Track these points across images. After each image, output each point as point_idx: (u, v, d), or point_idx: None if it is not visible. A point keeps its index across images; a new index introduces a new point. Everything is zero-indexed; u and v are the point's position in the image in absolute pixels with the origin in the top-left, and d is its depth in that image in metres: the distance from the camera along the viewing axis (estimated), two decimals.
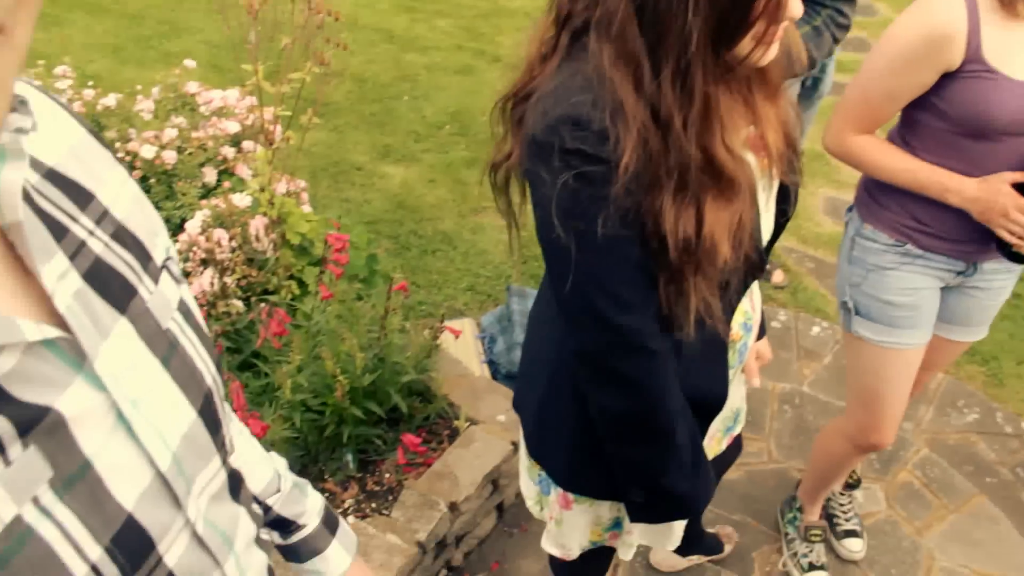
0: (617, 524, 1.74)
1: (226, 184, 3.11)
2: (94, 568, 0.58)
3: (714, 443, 1.79)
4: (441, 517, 2.40)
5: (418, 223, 4.29)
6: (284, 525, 1.09)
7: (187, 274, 2.68)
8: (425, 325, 2.85)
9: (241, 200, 2.78)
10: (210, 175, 3.19)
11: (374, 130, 5.19)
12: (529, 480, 1.80)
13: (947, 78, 1.75)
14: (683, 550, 2.59)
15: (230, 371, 2.54)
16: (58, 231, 0.62)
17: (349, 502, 2.47)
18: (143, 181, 3.10)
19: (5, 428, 0.53)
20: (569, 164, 1.15)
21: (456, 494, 2.46)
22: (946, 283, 2.06)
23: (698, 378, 1.43)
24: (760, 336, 1.76)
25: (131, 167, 3.03)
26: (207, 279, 2.62)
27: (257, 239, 2.71)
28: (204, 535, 0.70)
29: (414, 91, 5.72)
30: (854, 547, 2.70)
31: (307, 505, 1.11)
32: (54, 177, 0.65)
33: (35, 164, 0.64)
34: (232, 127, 3.34)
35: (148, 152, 3.09)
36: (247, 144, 3.33)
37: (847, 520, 2.74)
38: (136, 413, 0.62)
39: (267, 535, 1.08)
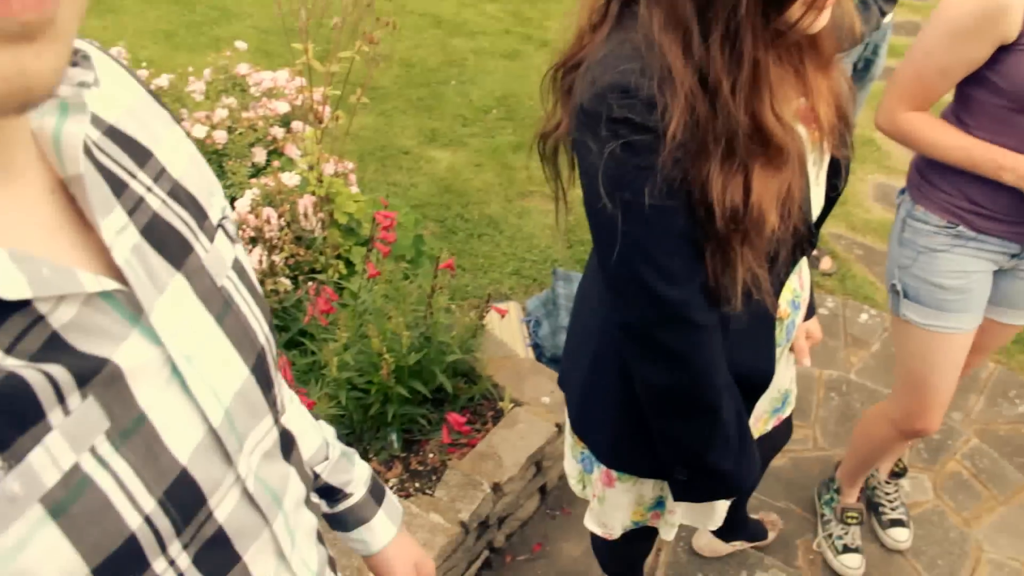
0: (660, 503, 1.73)
1: (275, 164, 3.13)
2: (147, 519, 0.59)
3: (760, 424, 1.77)
4: (484, 498, 2.40)
5: (464, 207, 4.29)
6: (331, 493, 1.10)
7: None
8: (471, 306, 2.86)
9: (290, 179, 2.80)
10: (259, 155, 3.21)
11: (421, 114, 5.20)
12: (572, 458, 1.80)
13: (1003, 51, 1.71)
14: (726, 536, 2.57)
15: (277, 348, 2.56)
16: (117, 186, 0.63)
17: (393, 481, 2.49)
18: None
19: (65, 378, 0.53)
20: (617, 133, 1.14)
21: (499, 475, 2.47)
22: (999, 266, 2.01)
23: (744, 355, 1.41)
24: (809, 316, 1.74)
25: None
26: (255, 257, 2.64)
27: (305, 216, 2.73)
28: (254, 492, 0.71)
29: (461, 76, 5.72)
30: (900, 537, 2.67)
31: (354, 474, 1.12)
32: (114, 134, 0.66)
33: (96, 121, 0.65)
34: (282, 107, 3.36)
35: (199, 132, 3.13)
36: (296, 124, 3.36)
37: (893, 509, 2.71)
38: (190, 368, 0.63)
39: (315, 500, 1.09)
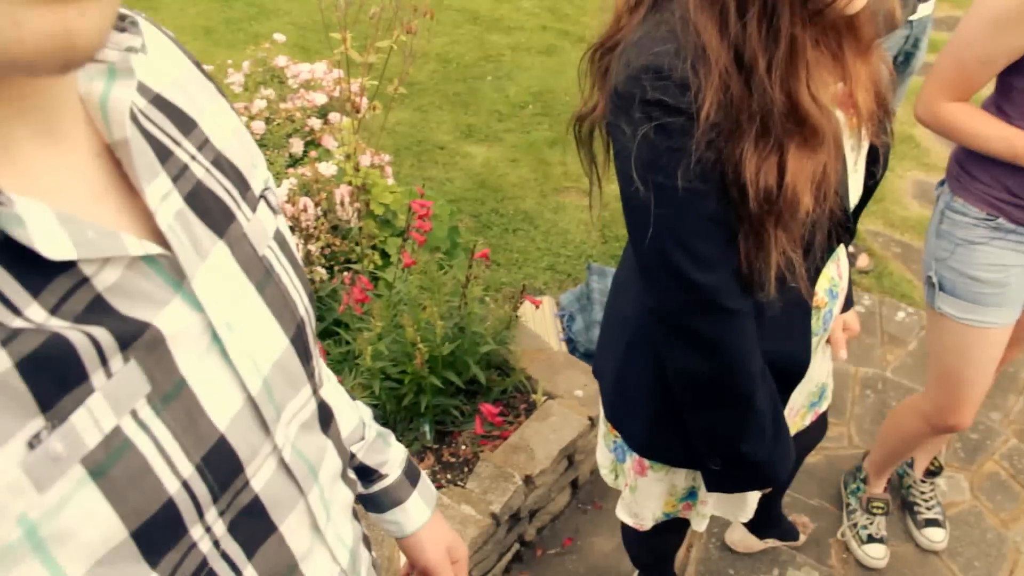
0: (691, 494, 1.72)
1: (312, 154, 3.15)
2: (185, 484, 0.59)
3: (797, 418, 1.76)
4: (516, 490, 2.40)
5: (499, 202, 4.29)
6: (366, 474, 1.10)
7: None
8: (505, 297, 2.86)
9: (327, 169, 2.81)
10: (297, 146, 3.24)
11: (457, 110, 5.21)
12: (605, 447, 1.79)
13: None
14: (760, 532, 2.56)
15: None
16: (162, 153, 0.63)
17: (425, 472, 2.49)
18: None
19: (107, 341, 0.54)
20: (650, 116, 1.14)
21: (531, 467, 2.47)
22: None
23: (780, 343, 1.40)
24: (847, 308, 1.72)
25: None
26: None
27: (341, 206, 2.74)
28: (290, 462, 0.71)
29: (498, 71, 5.72)
30: (935, 537, 2.63)
31: (390, 455, 1.12)
32: (160, 103, 0.66)
33: (142, 89, 0.65)
34: (319, 99, 3.38)
35: None
36: (333, 116, 3.38)
37: (928, 509, 2.67)
38: (230, 336, 0.63)
39: (352, 476, 1.09)
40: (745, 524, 2.56)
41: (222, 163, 0.70)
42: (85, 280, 0.54)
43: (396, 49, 2.58)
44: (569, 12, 6.73)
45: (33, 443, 0.49)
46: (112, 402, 0.54)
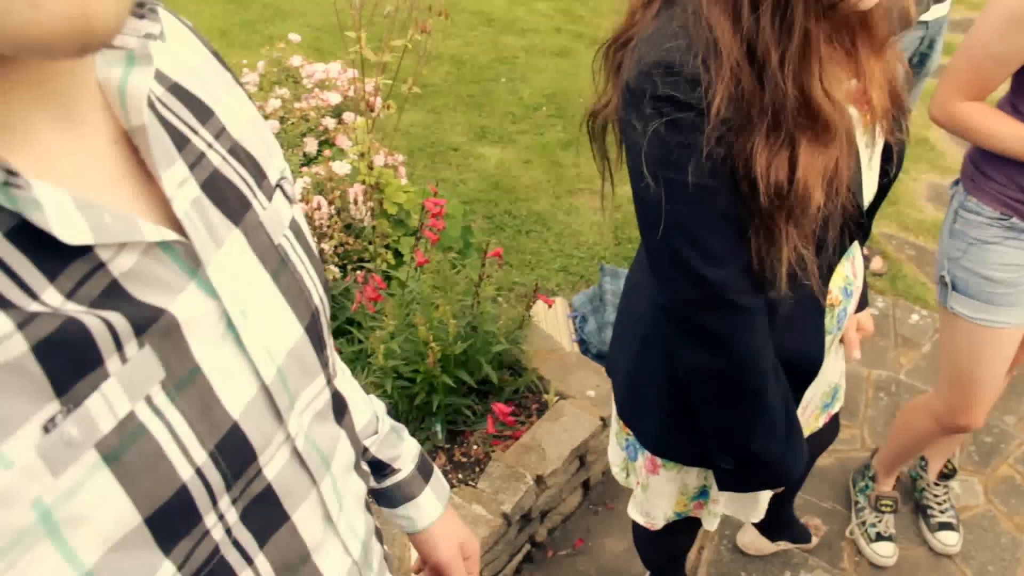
0: (703, 493, 1.71)
1: (326, 153, 3.16)
2: (199, 471, 0.59)
3: (811, 419, 1.75)
4: (527, 490, 2.40)
5: (513, 203, 4.30)
6: (379, 468, 1.10)
7: None
8: (518, 296, 2.86)
9: (340, 167, 2.82)
10: (311, 145, 3.24)
11: (471, 111, 5.22)
12: (617, 445, 1.79)
13: None
14: (772, 535, 2.55)
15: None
16: (179, 140, 0.63)
17: (438, 468, 2.49)
18: None
19: (123, 326, 0.54)
20: (661, 112, 1.14)
21: (543, 467, 2.46)
22: None
23: (793, 340, 1.40)
24: (861, 308, 1.71)
25: None
26: None
27: (355, 204, 2.74)
28: (303, 451, 0.71)
29: (512, 73, 5.73)
30: (949, 540, 2.62)
31: (403, 449, 1.12)
32: (177, 91, 0.67)
33: (160, 77, 0.66)
34: (334, 99, 3.39)
35: None
36: (348, 116, 3.38)
37: (942, 512, 2.66)
38: (245, 323, 0.63)
39: (365, 468, 1.09)
40: (756, 526, 2.55)
41: (238, 152, 0.70)
42: (101, 265, 0.54)
43: (411, 48, 2.58)
44: (583, 14, 6.74)
45: (48, 427, 0.50)
46: (127, 387, 0.54)
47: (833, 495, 2.81)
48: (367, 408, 1.07)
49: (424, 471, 1.15)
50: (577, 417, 2.61)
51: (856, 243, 1.52)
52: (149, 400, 0.56)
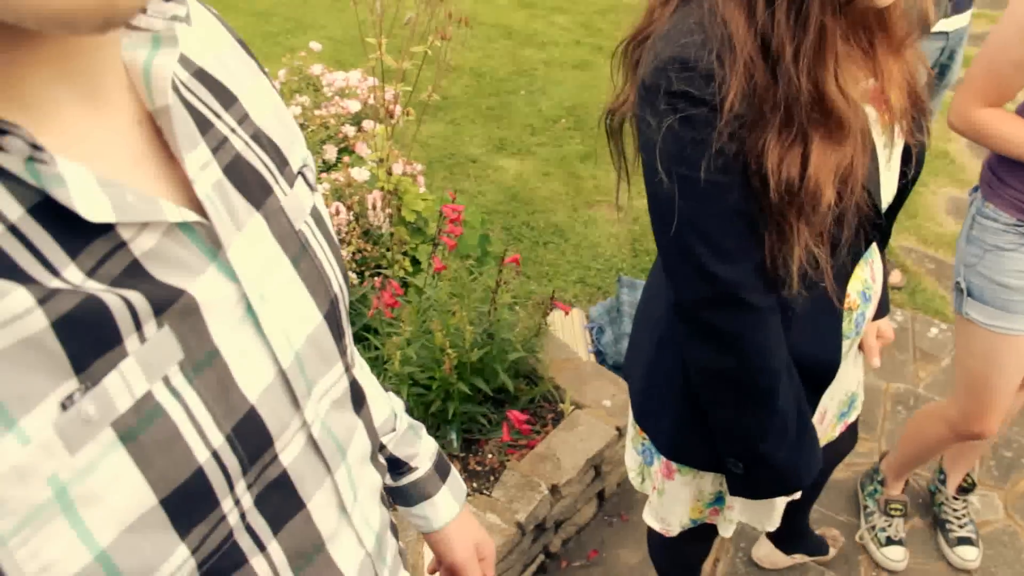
0: (719, 499, 1.70)
1: (345, 159, 3.17)
2: (215, 454, 0.59)
3: (829, 428, 1.74)
4: (541, 499, 2.39)
5: (531, 215, 4.30)
6: (396, 466, 1.10)
7: None
8: (534, 304, 2.85)
9: (359, 174, 2.83)
10: (330, 152, 3.25)
11: (490, 123, 5.23)
12: (633, 450, 1.78)
13: None
14: (787, 547, 2.53)
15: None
16: (203, 124, 0.64)
17: (455, 468, 2.48)
18: None
19: (142, 305, 0.54)
20: (675, 108, 1.14)
21: (558, 477, 2.45)
22: None
23: (809, 343, 1.39)
24: (882, 315, 1.70)
25: None
26: None
27: (373, 209, 2.75)
28: (319, 439, 0.71)
29: (531, 86, 5.75)
30: (968, 555, 2.59)
31: (420, 448, 1.11)
32: (202, 76, 0.67)
33: (185, 62, 0.66)
34: (353, 106, 3.40)
35: None
36: (367, 123, 3.40)
37: (961, 527, 2.63)
38: (264, 308, 0.63)
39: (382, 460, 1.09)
40: (772, 539, 2.53)
41: (261, 138, 0.70)
42: (122, 244, 0.54)
43: (430, 55, 2.59)
44: (603, 27, 6.75)
45: (66, 404, 0.50)
46: (144, 367, 0.54)
47: (849, 508, 2.79)
48: (385, 405, 1.07)
49: (441, 470, 1.14)
50: (593, 427, 2.60)
51: (875, 246, 1.51)
52: (167, 381, 0.56)
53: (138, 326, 0.54)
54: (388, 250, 2.80)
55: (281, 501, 0.68)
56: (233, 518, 0.63)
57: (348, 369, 0.77)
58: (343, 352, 0.75)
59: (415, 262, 2.88)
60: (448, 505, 1.14)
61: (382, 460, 0.92)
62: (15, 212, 0.49)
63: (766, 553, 2.58)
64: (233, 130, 0.67)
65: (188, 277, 0.58)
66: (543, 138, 5.06)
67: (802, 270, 1.22)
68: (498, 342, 2.57)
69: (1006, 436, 3.02)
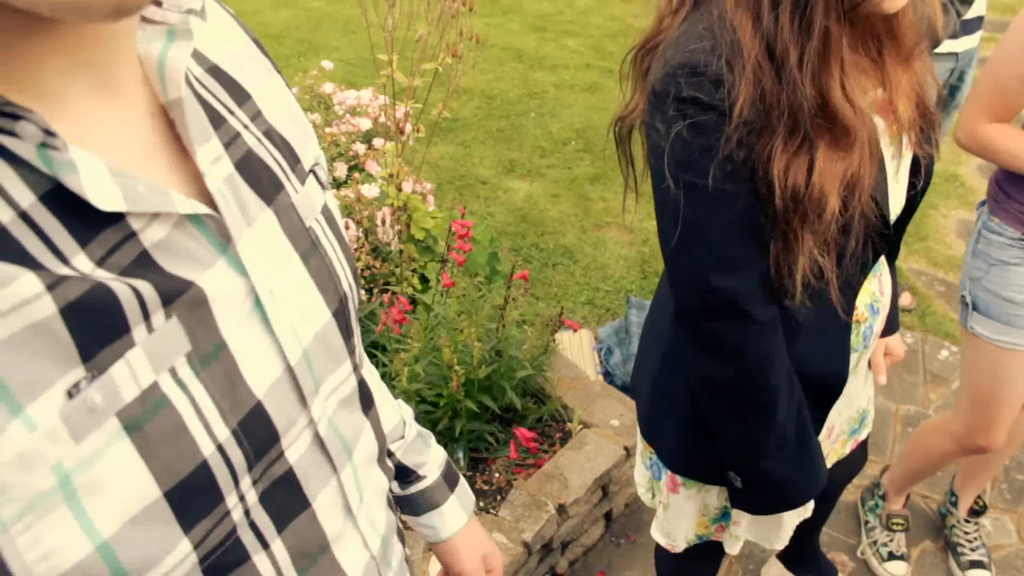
0: (725, 515, 1.69)
1: (355, 177, 3.18)
2: (220, 448, 0.59)
3: (838, 445, 1.72)
4: (548, 518, 2.38)
5: (540, 236, 4.31)
6: (404, 474, 1.09)
7: None
8: (543, 322, 2.85)
9: (369, 191, 2.83)
10: (340, 169, 3.26)
11: (500, 145, 5.25)
12: (642, 464, 1.77)
13: None
14: (795, 569, 2.50)
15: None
16: (216, 119, 0.64)
17: (463, 478, 2.47)
18: None
19: (151, 295, 0.54)
20: (684, 114, 1.14)
21: (565, 496, 2.44)
22: None
23: (817, 356, 1.38)
24: (891, 332, 1.69)
25: None
26: None
27: (382, 224, 2.75)
28: (325, 437, 0.70)
29: (541, 108, 5.77)
30: None
31: (429, 456, 1.11)
32: (215, 72, 0.67)
33: (200, 58, 0.66)
34: (364, 124, 3.42)
35: None
36: (378, 141, 3.41)
37: (973, 550, 2.60)
38: (273, 303, 0.63)
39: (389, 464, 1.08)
40: (781, 560, 2.51)
41: (273, 135, 0.70)
42: (132, 234, 0.54)
43: (441, 73, 2.60)
44: (613, 50, 6.79)
45: (72, 392, 0.49)
46: (151, 357, 0.54)
47: (859, 531, 2.76)
48: (394, 411, 1.07)
49: (450, 479, 1.13)
50: (600, 446, 2.59)
51: (883, 260, 1.51)
52: (173, 372, 0.56)
53: (146, 316, 0.54)
54: (397, 267, 2.80)
55: (286, 499, 0.67)
56: (237, 514, 0.62)
57: (356, 368, 0.77)
58: (351, 351, 0.75)
59: (424, 279, 2.89)
60: (456, 515, 1.13)
61: (389, 463, 0.92)
62: (27, 199, 0.49)
63: (776, 574, 2.56)
64: (246, 126, 0.67)
65: (197, 269, 0.58)
66: (553, 160, 5.08)
67: (806, 280, 1.22)
68: (506, 359, 2.56)
69: (1019, 459, 3.00)
